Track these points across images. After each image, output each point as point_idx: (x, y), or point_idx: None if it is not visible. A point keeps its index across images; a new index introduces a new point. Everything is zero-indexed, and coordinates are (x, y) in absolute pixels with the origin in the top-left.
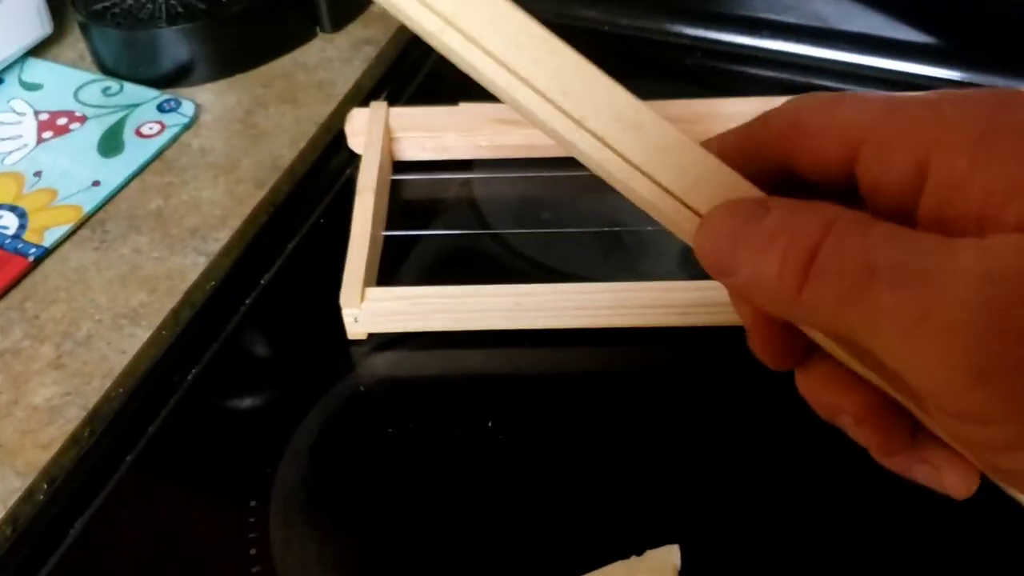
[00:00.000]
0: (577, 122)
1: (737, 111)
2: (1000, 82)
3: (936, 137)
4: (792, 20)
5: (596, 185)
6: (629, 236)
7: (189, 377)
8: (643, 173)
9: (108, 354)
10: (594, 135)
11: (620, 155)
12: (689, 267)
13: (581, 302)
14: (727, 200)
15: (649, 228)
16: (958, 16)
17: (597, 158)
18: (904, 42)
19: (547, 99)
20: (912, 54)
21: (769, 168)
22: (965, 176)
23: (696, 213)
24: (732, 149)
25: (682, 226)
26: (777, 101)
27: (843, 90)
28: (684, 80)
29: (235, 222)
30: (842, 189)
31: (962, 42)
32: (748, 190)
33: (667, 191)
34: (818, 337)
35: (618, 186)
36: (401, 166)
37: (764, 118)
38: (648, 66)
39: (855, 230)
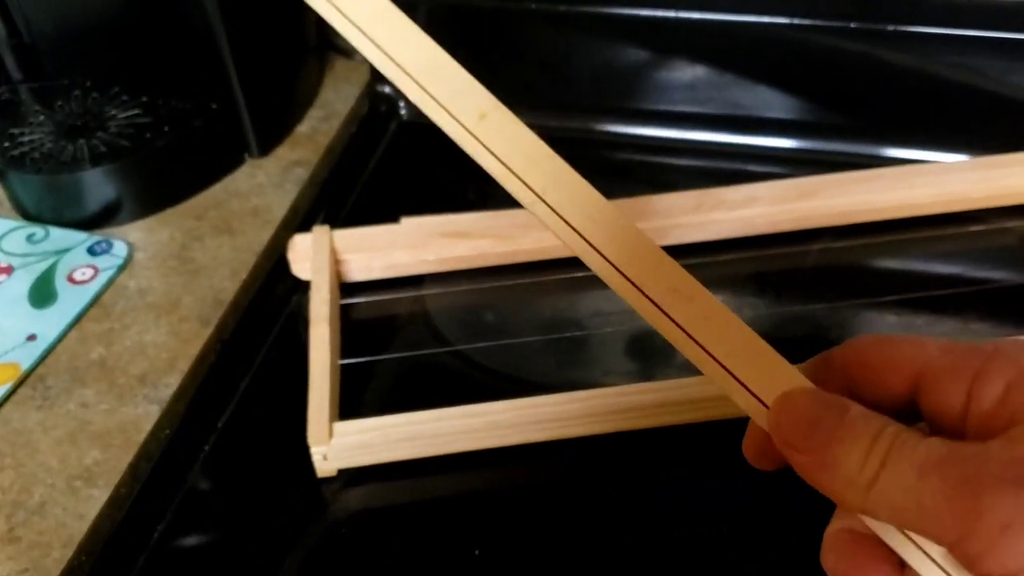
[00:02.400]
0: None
1: (673, 205)
2: (902, 152)
3: (980, 370)
4: (713, 111)
5: (547, 290)
6: (586, 339)
7: (155, 535)
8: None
9: (66, 520)
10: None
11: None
12: (645, 364)
13: (552, 414)
14: (807, 387)
15: (606, 330)
16: (866, 96)
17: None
18: (818, 123)
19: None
20: (826, 134)
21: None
22: (1001, 398)
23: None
24: None
25: (741, 403)
26: (713, 191)
27: (766, 173)
28: (615, 176)
29: (184, 364)
30: (898, 411)
31: (869, 120)
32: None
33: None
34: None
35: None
36: (349, 288)
37: (826, 356)
38: (579, 165)
39: (912, 439)
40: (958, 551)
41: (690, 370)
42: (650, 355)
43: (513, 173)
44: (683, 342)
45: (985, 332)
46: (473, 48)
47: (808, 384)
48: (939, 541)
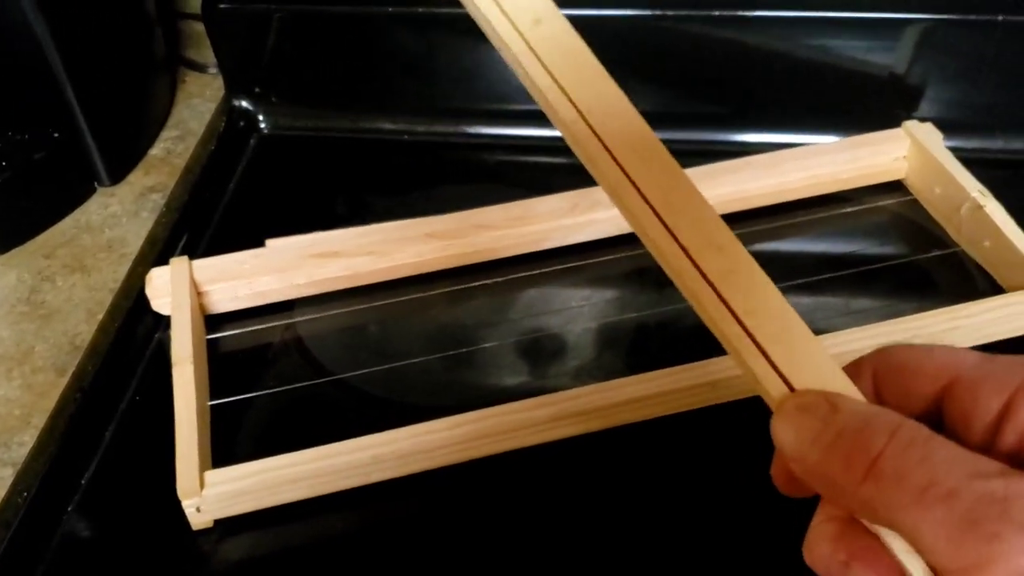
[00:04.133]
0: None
1: (550, 208)
2: (772, 137)
3: (1022, 382)
4: None
5: (429, 305)
6: (471, 355)
7: None
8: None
9: None
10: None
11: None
12: (538, 372)
13: (444, 440)
14: (798, 394)
15: (494, 341)
16: (732, 83)
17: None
18: (686, 114)
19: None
20: (695, 123)
21: None
22: None
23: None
24: None
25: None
26: (587, 191)
27: None
28: (488, 178)
29: (39, 419)
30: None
31: (737, 107)
32: (838, 373)
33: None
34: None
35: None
36: (215, 320)
37: (857, 363)
38: (453, 169)
39: (917, 440)
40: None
41: (583, 377)
42: (543, 361)
43: (560, 87)
44: (704, 297)
45: (869, 312)
46: (333, 55)
47: (843, 382)
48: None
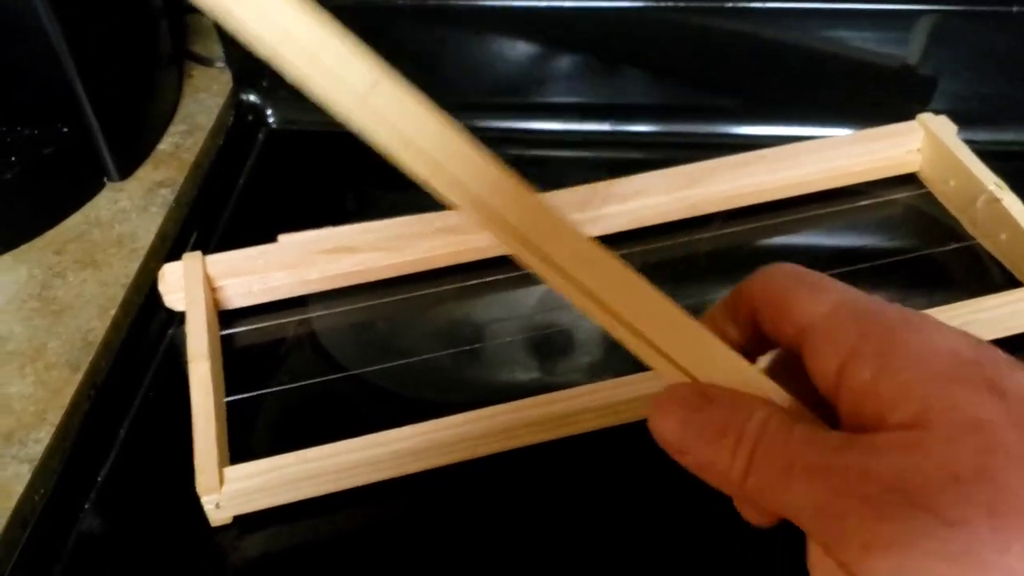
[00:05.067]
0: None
1: (562, 204)
2: (786, 130)
3: (854, 347)
4: (594, 100)
5: (442, 300)
6: (483, 351)
7: None
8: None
9: None
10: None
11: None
12: (552, 368)
13: (459, 435)
14: (671, 388)
15: (507, 337)
16: (746, 76)
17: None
18: (700, 106)
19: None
20: (709, 116)
21: (748, 329)
22: (870, 384)
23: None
24: (719, 315)
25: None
26: (601, 185)
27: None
28: None
29: (54, 416)
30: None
31: (751, 99)
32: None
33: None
34: None
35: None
36: (228, 316)
37: (737, 290)
38: None
39: (781, 432)
40: (830, 553)
41: (596, 372)
42: (556, 357)
43: (412, 145)
44: (592, 309)
45: None
46: None
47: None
48: (812, 538)
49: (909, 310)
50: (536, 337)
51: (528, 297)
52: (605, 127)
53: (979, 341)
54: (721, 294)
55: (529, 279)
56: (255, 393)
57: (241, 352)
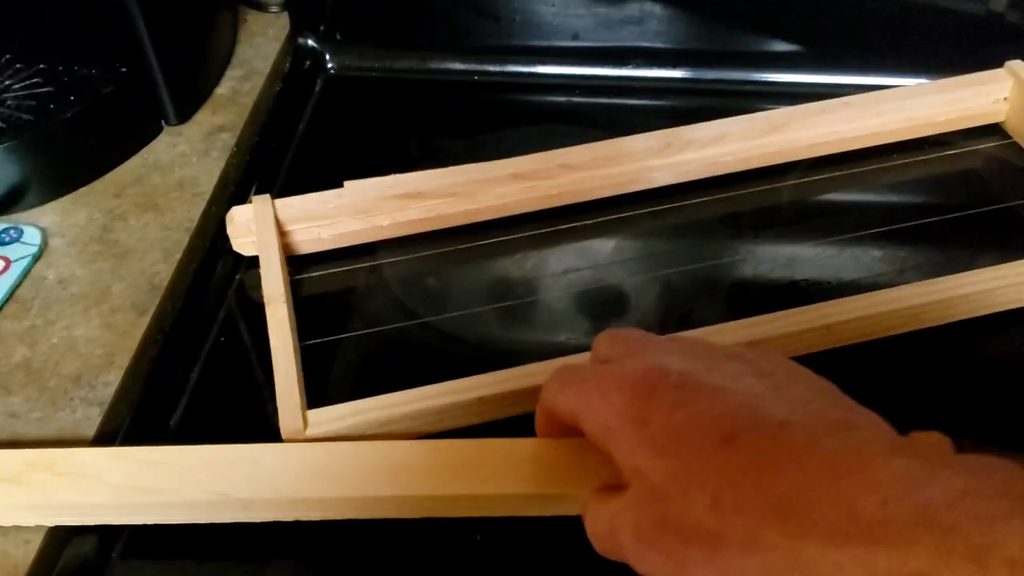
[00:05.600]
0: None
1: (640, 147)
2: (863, 79)
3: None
4: (665, 45)
5: (514, 249)
6: (562, 298)
7: (113, 556)
8: None
9: (8, 549)
10: None
11: None
12: (628, 319)
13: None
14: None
15: (581, 287)
16: (822, 23)
17: None
18: (775, 53)
19: None
20: (785, 64)
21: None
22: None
23: None
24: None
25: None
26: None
27: (727, 109)
28: (568, 121)
29: (123, 359)
30: None
31: (828, 47)
32: None
33: None
34: None
35: None
36: (296, 262)
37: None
38: (525, 111)
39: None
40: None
41: (669, 327)
42: (633, 311)
43: None
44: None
45: (965, 260)
46: None
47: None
48: None
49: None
50: (615, 287)
51: (603, 246)
52: (677, 74)
53: (646, 394)
54: (802, 244)
55: (605, 227)
56: (328, 339)
57: (311, 299)
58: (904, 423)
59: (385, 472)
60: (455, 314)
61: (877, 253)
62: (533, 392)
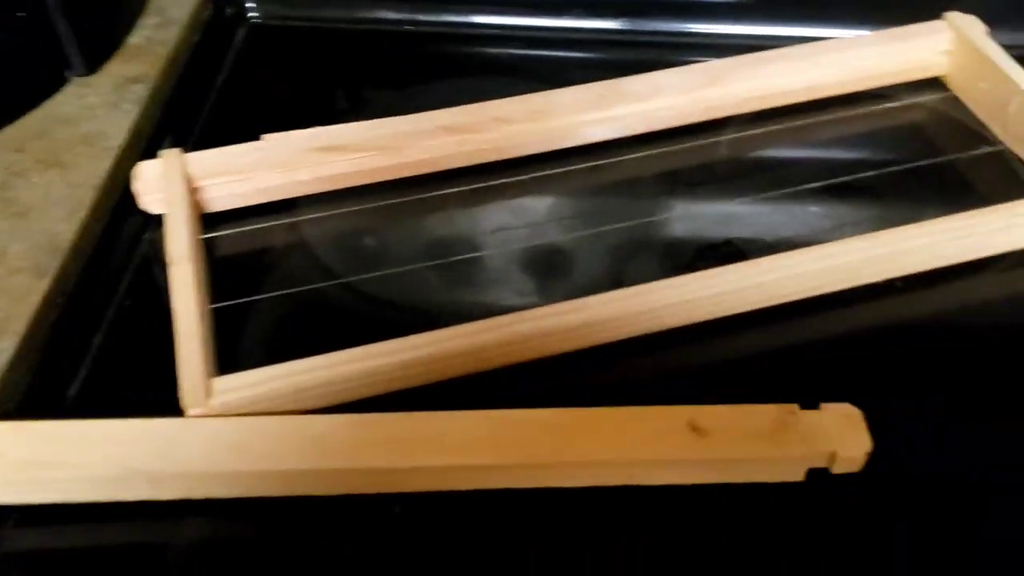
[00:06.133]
0: None
1: (574, 100)
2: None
3: None
4: None
5: (443, 205)
6: (493, 257)
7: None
8: None
9: None
10: None
11: None
12: (563, 280)
13: (465, 346)
14: None
15: (513, 246)
16: None
17: None
18: (713, 4)
19: None
20: (723, 15)
21: None
22: None
23: None
24: None
25: None
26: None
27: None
28: (504, 73)
29: (19, 325)
30: None
31: None
32: None
33: None
34: None
35: None
36: (210, 220)
37: None
38: (460, 62)
39: None
40: None
41: (612, 285)
42: (567, 270)
43: None
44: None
45: (908, 214)
46: None
47: None
48: None
49: None
50: (548, 247)
51: (536, 203)
52: (616, 25)
53: None
54: (739, 201)
55: (540, 183)
56: (241, 300)
57: (225, 259)
58: (834, 385)
59: (302, 444)
60: (380, 273)
61: (815, 209)
62: (457, 356)
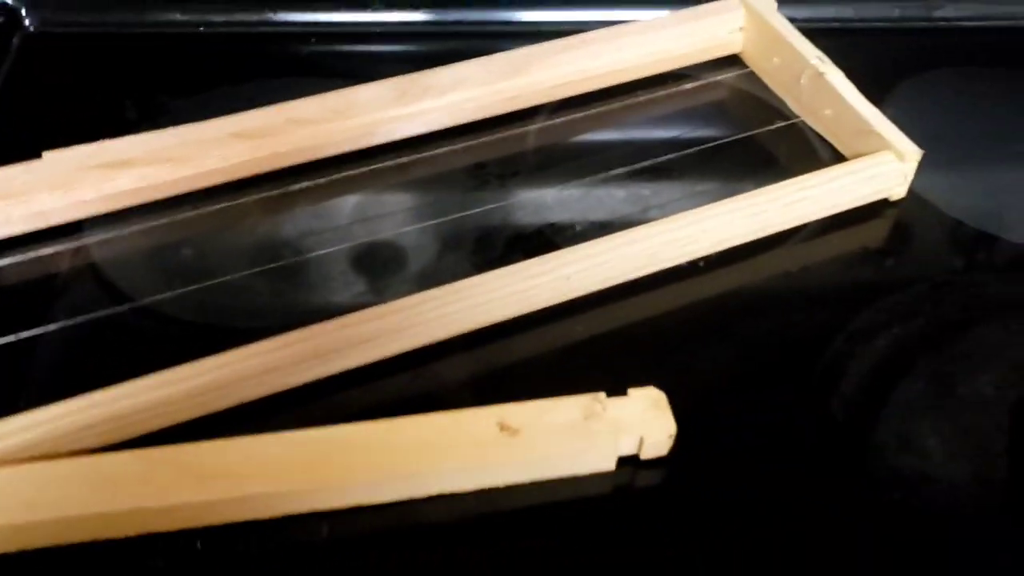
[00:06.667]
0: None
1: (374, 97)
2: (602, 14)
3: None
4: None
5: (243, 214)
6: (296, 269)
7: None
8: None
9: None
10: None
11: None
12: (375, 281)
13: (269, 363)
14: None
15: (322, 251)
16: None
17: None
18: None
19: None
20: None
21: None
22: None
23: None
24: None
25: None
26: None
27: (469, 51)
28: (302, 72)
29: None
30: None
31: None
32: None
33: None
34: None
35: None
36: None
37: None
38: (258, 63)
39: None
40: None
41: (428, 284)
42: (379, 270)
43: None
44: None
45: (713, 192)
46: None
47: None
48: None
49: None
50: (357, 249)
51: (343, 205)
52: (419, 16)
53: None
54: (548, 190)
55: (342, 185)
56: (22, 336)
57: (3, 291)
58: (643, 370)
59: (87, 487)
60: (179, 293)
61: (621, 194)
62: (250, 377)
